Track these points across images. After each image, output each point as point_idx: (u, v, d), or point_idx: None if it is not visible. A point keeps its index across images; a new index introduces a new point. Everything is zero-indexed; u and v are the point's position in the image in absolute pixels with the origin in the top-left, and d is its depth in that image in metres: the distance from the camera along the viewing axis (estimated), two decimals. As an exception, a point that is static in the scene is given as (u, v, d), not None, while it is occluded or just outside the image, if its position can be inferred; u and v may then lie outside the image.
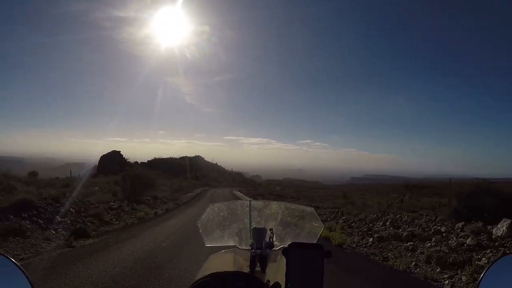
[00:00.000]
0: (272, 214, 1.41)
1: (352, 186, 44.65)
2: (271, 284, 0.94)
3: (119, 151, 44.67)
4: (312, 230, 1.40)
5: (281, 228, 1.37)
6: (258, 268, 1.16)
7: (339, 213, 13.18)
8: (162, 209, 15.16)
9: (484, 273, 0.87)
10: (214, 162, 72.26)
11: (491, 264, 0.87)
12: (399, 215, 10.57)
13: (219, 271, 0.94)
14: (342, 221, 11.45)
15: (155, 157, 59.18)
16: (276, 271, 1.12)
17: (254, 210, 1.38)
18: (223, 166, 73.55)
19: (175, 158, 61.58)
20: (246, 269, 1.15)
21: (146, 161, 55.11)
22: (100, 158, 44.17)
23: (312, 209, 1.45)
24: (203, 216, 1.39)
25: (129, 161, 43.12)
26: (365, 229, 9.80)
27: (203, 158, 69.14)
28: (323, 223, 1.45)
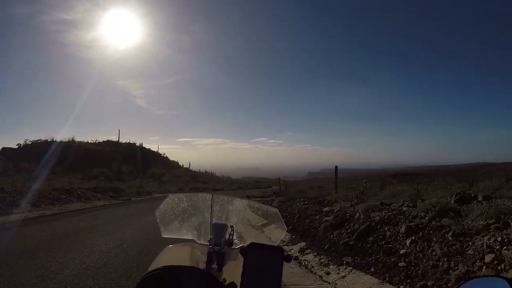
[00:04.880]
0: (234, 211, 1.31)
1: (315, 180, 41.17)
2: (226, 283, 0.92)
3: None
4: (274, 232, 1.35)
5: (242, 226, 1.29)
6: (215, 265, 1.09)
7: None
8: None
9: None
10: (163, 154, 45.43)
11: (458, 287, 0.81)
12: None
13: (173, 264, 0.90)
14: None
15: (38, 139, 34.02)
16: (233, 270, 1.07)
17: (216, 205, 1.30)
18: (177, 161, 46.34)
19: (86, 143, 37.39)
20: (202, 265, 1.09)
21: (16, 146, 33.79)
22: None
23: (276, 210, 1.35)
24: (161, 205, 1.31)
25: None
26: None
27: (142, 145, 42.95)
28: None
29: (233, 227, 1.16)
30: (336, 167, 13.61)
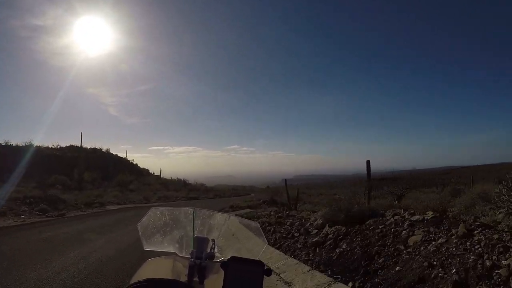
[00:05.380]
0: (216, 225, 1.34)
1: (290, 186, 41.06)
2: None
3: None
4: (255, 246, 1.36)
5: (223, 240, 1.31)
6: (196, 279, 1.09)
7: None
8: None
9: None
10: (132, 160, 40.68)
11: None
12: None
13: (155, 277, 0.91)
14: None
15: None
16: (214, 283, 1.08)
17: (198, 218, 1.32)
18: (147, 168, 41.93)
19: (46, 148, 31.64)
20: (184, 278, 1.09)
21: None
22: None
23: (257, 224, 1.38)
24: (144, 219, 1.32)
25: None
26: None
27: (108, 151, 37.61)
28: None
29: (214, 241, 1.18)
30: (368, 161, 8.76)
